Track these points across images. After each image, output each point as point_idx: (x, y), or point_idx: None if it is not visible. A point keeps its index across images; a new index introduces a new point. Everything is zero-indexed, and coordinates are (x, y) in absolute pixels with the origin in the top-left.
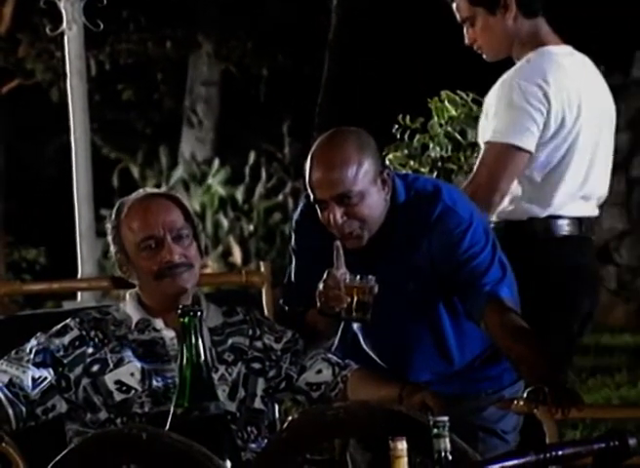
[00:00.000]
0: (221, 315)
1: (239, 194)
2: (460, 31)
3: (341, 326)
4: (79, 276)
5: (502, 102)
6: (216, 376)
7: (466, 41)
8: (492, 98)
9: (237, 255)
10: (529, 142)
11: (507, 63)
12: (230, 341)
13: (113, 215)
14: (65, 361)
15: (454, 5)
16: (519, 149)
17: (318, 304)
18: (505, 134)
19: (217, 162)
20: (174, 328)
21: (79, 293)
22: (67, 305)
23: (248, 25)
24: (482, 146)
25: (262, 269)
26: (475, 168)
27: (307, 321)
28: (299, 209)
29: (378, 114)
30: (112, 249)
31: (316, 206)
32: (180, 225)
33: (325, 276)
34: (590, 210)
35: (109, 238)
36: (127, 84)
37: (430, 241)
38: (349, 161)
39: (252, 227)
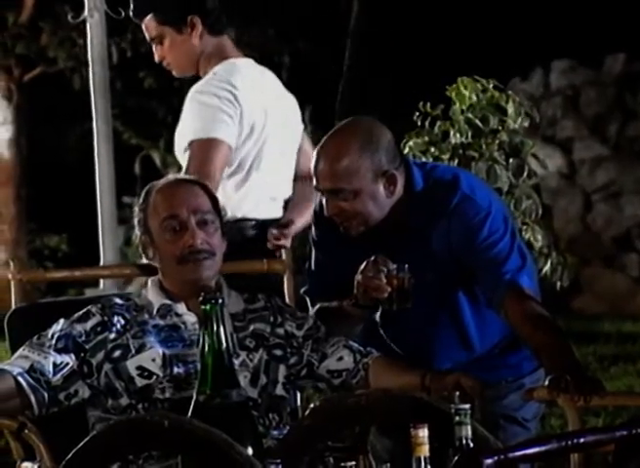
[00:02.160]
0: (243, 301)
1: None
2: (481, 18)
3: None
4: (101, 263)
5: (195, 108)
6: (237, 362)
7: (156, 59)
8: (185, 110)
9: None
10: (229, 134)
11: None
12: (252, 327)
13: (141, 199)
14: (87, 346)
15: (143, 25)
16: (222, 141)
17: (356, 294)
18: (205, 130)
19: None
20: (195, 312)
21: (101, 281)
22: (89, 293)
23: (269, 12)
24: (183, 153)
25: (284, 257)
26: (185, 165)
27: (334, 314)
28: (317, 199)
29: (399, 101)
30: (137, 231)
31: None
32: (205, 209)
33: (363, 266)
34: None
35: (135, 220)
36: (148, 71)
37: (449, 230)
38: (348, 158)
39: None
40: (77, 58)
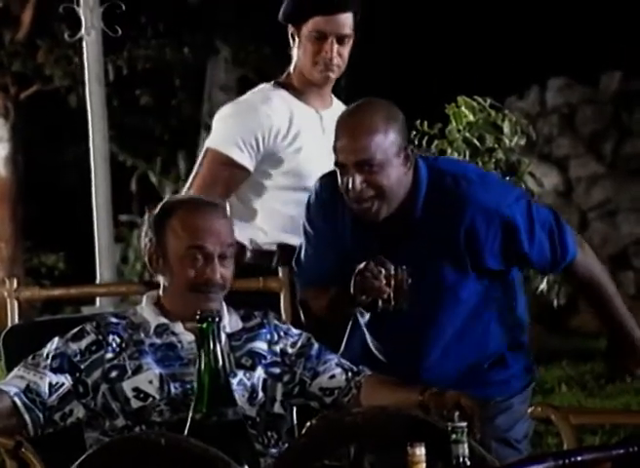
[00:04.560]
0: (240, 320)
1: None
2: (477, 37)
3: (348, 329)
4: (97, 281)
5: None
6: (234, 381)
7: (331, 54)
8: None
9: None
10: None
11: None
12: (249, 346)
13: (158, 209)
14: (82, 366)
15: (339, 18)
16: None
17: (352, 294)
18: None
19: None
20: (192, 331)
21: (98, 299)
22: (86, 311)
23: (265, 31)
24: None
25: (280, 275)
26: None
27: (320, 306)
28: (313, 191)
29: None
30: (147, 241)
31: (337, 171)
32: (228, 242)
33: (362, 267)
34: None
35: (144, 230)
36: (145, 89)
37: (463, 217)
38: (375, 129)
39: None
40: (74, 75)
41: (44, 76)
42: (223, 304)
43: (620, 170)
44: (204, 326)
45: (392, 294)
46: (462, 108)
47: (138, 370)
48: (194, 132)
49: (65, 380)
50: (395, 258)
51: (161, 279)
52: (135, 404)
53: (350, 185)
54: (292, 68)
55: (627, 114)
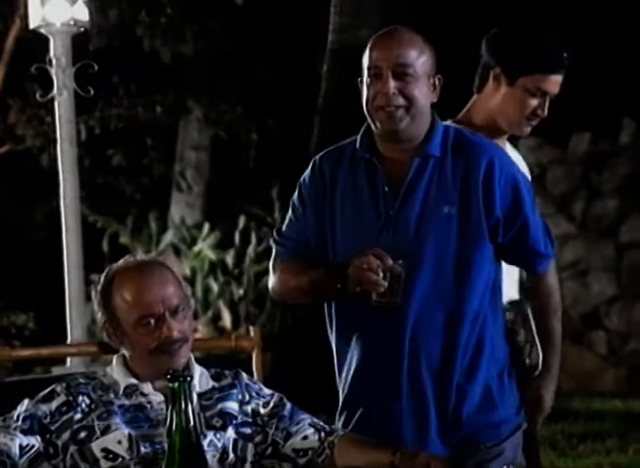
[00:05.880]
0: (210, 379)
1: (229, 258)
2: (451, 98)
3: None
4: (68, 341)
5: None
6: (205, 442)
7: (543, 112)
8: None
9: (227, 320)
10: None
11: None
12: (219, 406)
13: (102, 281)
14: (52, 427)
15: (551, 78)
16: None
17: (347, 285)
18: None
19: (206, 226)
20: (162, 392)
21: (68, 359)
22: (56, 371)
23: (237, 90)
24: None
25: (252, 334)
26: None
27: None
28: (310, 168)
29: None
30: (100, 315)
31: (367, 78)
32: (177, 300)
33: (358, 260)
34: None
35: (95, 303)
36: (117, 149)
37: (478, 167)
38: (415, 43)
39: (242, 291)
40: (45, 135)
41: (16, 136)
42: (194, 363)
43: (591, 230)
44: (175, 385)
45: (388, 289)
46: None
47: (106, 431)
48: (166, 191)
49: (36, 442)
50: (410, 204)
51: (123, 349)
52: (104, 464)
53: (383, 89)
54: (476, 106)
55: (596, 175)
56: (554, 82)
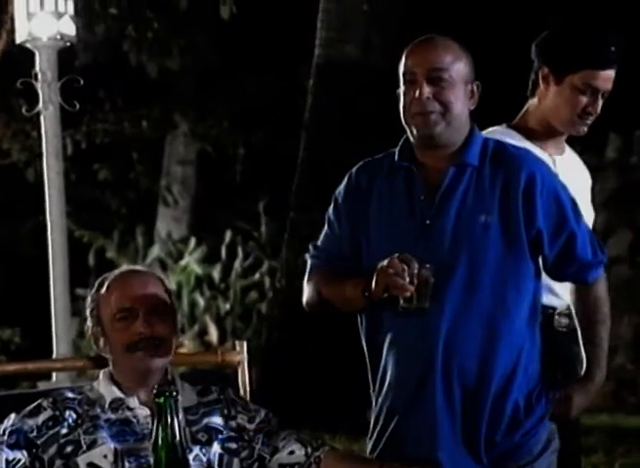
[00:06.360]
0: (196, 394)
1: (215, 273)
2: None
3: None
4: (54, 356)
5: None
6: (190, 457)
7: (595, 110)
8: None
9: (213, 334)
10: None
11: None
12: (205, 421)
13: (93, 290)
14: (39, 442)
15: (603, 74)
16: None
17: (373, 291)
18: None
19: (193, 241)
20: (148, 406)
21: (54, 374)
22: (42, 386)
23: (224, 105)
24: None
25: (238, 348)
26: None
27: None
28: (346, 179)
29: None
30: (89, 322)
31: (403, 86)
32: (155, 300)
33: (385, 263)
34: None
35: (87, 311)
36: (103, 163)
37: (520, 177)
38: (451, 48)
39: (228, 306)
40: (31, 150)
41: (1, 150)
42: (177, 377)
43: None
44: (161, 400)
45: (415, 293)
46: None
47: (92, 445)
48: (152, 206)
49: (22, 457)
50: (446, 213)
51: (108, 355)
52: None
53: (417, 95)
54: (531, 110)
55: None
56: (603, 78)
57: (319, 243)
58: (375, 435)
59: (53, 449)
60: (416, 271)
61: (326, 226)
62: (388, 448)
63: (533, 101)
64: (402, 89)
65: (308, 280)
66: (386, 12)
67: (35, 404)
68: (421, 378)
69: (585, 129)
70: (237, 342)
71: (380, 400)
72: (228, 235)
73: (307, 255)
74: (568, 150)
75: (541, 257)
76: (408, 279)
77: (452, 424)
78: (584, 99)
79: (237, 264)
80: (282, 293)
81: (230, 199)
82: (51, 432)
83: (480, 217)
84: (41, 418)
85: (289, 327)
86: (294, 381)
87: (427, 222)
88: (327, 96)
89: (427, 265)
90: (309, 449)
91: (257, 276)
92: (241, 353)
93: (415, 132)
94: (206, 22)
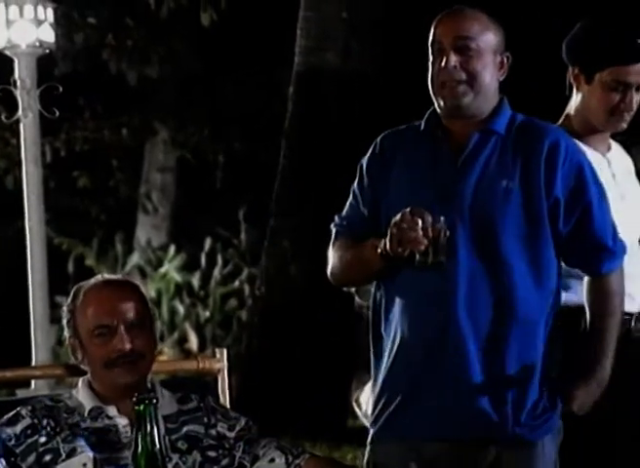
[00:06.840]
0: (176, 402)
1: (195, 280)
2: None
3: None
4: (33, 363)
5: None
6: (170, 466)
7: (630, 105)
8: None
9: (193, 342)
10: None
11: None
12: (185, 429)
13: (69, 300)
14: (17, 450)
15: (636, 67)
16: None
17: (388, 247)
18: None
19: (172, 248)
20: (127, 415)
21: (33, 381)
22: (21, 393)
23: (204, 112)
24: None
25: (218, 356)
26: None
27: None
28: (370, 149)
29: (334, 201)
30: (66, 333)
31: (431, 56)
32: (134, 315)
33: (398, 218)
34: None
35: (64, 322)
36: (82, 171)
37: (543, 147)
38: (479, 18)
39: (208, 313)
40: (10, 157)
41: None
42: (157, 384)
43: None
44: (141, 408)
45: (430, 247)
46: None
47: (71, 454)
48: (131, 213)
49: (1, 465)
50: (468, 177)
51: (86, 367)
52: None
53: (444, 64)
54: (572, 112)
55: None
56: (634, 72)
57: (343, 212)
58: (383, 398)
59: (32, 458)
60: (429, 225)
61: (350, 196)
62: (405, 402)
63: (572, 102)
64: (430, 59)
65: (332, 248)
66: (366, 20)
67: (14, 412)
68: (442, 328)
69: (625, 125)
70: (217, 350)
71: (389, 361)
72: (208, 242)
73: (332, 225)
74: (614, 145)
75: (556, 236)
76: (421, 232)
77: (475, 373)
78: (617, 97)
79: (217, 272)
80: (262, 301)
81: (210, 206)
82: (29, 440)
83: (502, 182)
84: (19, 427)
85: (269, 334)
86: (274, 389)
87: (448, 185)
88: (307, 103)
89: (442, 218)
90: (290, 457)
91: (236, 283)
92: (221, 360)
93: (442, 103)
94: (186, 30)
